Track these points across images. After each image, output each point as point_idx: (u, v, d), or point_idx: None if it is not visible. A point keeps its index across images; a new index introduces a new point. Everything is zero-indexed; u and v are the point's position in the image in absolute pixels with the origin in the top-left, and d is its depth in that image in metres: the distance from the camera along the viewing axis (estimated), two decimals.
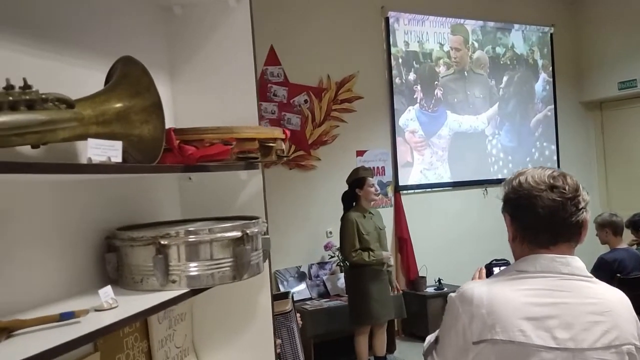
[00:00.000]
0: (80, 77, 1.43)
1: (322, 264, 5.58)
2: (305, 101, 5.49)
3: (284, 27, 5.30)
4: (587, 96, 7.09)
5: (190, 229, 1.37)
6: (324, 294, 5.42)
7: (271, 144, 1.49)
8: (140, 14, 1.74)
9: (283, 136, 1.53)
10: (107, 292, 1.20)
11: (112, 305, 1.18)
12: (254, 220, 1.50)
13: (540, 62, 6.89)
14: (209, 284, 1.39)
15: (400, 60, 5.96)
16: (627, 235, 4.57)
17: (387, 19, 5.87)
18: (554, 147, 6.97)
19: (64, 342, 0.96)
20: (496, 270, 1.54)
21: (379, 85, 5.89)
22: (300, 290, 5.27)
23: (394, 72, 5.90)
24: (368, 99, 5.76)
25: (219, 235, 1.38)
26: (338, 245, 5.35)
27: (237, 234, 1.41)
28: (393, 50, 5.90)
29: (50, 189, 1.32)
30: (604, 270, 4.07)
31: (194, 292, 1.37)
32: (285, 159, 1.58)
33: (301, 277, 5.42)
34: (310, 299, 5.28)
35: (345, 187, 4.72)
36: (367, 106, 5.76)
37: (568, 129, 7.08)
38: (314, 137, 5.52)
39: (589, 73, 7.02)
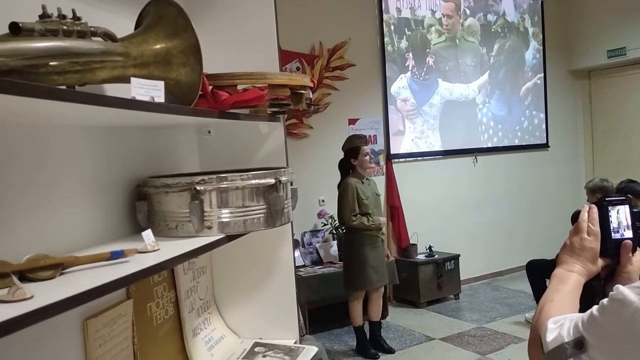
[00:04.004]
0: (103, 20, 1.39)
1: (314, 232, 5.61)
2: (298, 68, 5.44)
3: None
4: (576, 64, 7.14)
5: (223, 175, 1.36)
6: (317, 261, 5.46)
7: (302, 91, 1.48)
8: None
9: (312, 84, 1.52)
10: (149, 235, 1.19)
11: (154, 248, 1.18)
12: (283, 169, 1.50)
13: (530, 30, 6.91)
14: (243, 230, 1.38)
15: (392, 27, 5.93)
16: None
17: None
18: (542, 115, 7.04)
19: (122, 276, 0.96)
20: (613, 212, 1.13)
21: (371, 53, 5.86)
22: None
23: (386, 39, 5.87)
24: (360, 67, 5.74)
25: (253, 181, 1.37)
26: (331, 214, 5.39)
27: (271, 180, 1.40)
28: (385, 16, 5.86)
29: (80, 134, 1.30)
30: None
31: (229, 238, 1.37)
32: (312, 108, 1.57)
33: (294, 244, 5.44)
34: (304, 266, 5.32)
35: (339, 156, 4.72)
36: (359, 74, 5.73)
37: (557, 98, 7.15)
38: None
39: (578, 41, 7.06)
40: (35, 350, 1.10)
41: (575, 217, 1.17)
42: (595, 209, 1.14)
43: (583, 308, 0.99)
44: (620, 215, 1.14)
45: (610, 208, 1.14)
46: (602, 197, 1.20)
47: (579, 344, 0.88)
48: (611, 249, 1.12)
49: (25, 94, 0.75)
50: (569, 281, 1.07)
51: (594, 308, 0.89)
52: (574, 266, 1.10)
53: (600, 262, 1.12)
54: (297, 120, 5.42)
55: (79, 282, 0.94)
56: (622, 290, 0.85)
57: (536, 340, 0.97)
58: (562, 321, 0.94)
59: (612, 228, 1.13)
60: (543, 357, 0.93)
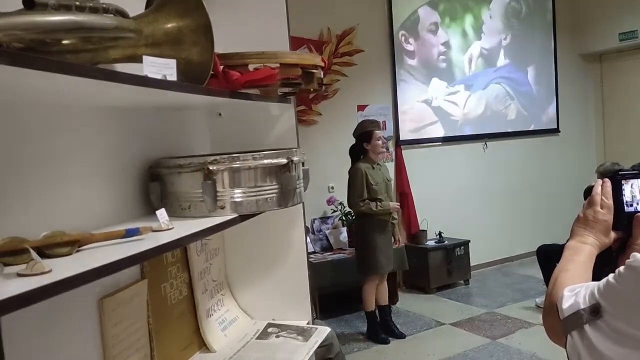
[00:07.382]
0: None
1: (324, 219, 5.62)
2: None
3: None
4: (587, 48, 7.06)
5: (236, 155, 1.37)
6: (327, 248, 5.48)
7: (313, 71, 1.48)
8: None
9: (323, 64, 1.52)
10: (162, 214, 1.20)
11: (168, 227, 1.18)
12: (295, 149, 1.50)
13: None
14: (255, 210, 1.39)
15: None
16: None
17: None
18: (553, 100, 6.98)
19: (138, 252, 0.96)
20: (627, 186, 1.14)
21: (379, 38, 5.83)
22: None
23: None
24: (369, 53, 5.71)
25: (265, 161, 1.38)
26: (340, 200, 5.39)
27: (283, 160, 1.40)
28: (393, 1, 5.82)
29: (93, 115, 1.31)
30: None
31: (242, 218, 1.37)
32: (324, 88, 1.56)
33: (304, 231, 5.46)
34: (314, 252, 5.34)
35: (348, 142, 4.71)
36: (367, 60, 5.71)
37: (567, 82, 7.08)
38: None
39: (589, 24, 6.97)
40: (54, 329, 1.12)
41: (588, 191, 1.18)
42: (608, 183, 1.15)
43: (595, 279, 1.00)
44: (634, 189, 1.16)
45: (623, 182, 1.15)
46: (615, 171, 1.21)
47: (595, 310, 0.88)
48: (624, 222, 1.14)
49: (40, 68, 0.75)
50: (582, 252, 1.09)
51: (610, 275, 0.90)
52: (587, 238, 1.11)
53: (612, 235, 1.13)
54: (306, 107, 5.40)
55: (96, 257, 0.95)
56: (639, 257, 0.86)
57: (551, 308, 0.98)
58: (577, 289, 0.95)
59: (625, 201, 1.15)
60: (558, 324, 0.94)
